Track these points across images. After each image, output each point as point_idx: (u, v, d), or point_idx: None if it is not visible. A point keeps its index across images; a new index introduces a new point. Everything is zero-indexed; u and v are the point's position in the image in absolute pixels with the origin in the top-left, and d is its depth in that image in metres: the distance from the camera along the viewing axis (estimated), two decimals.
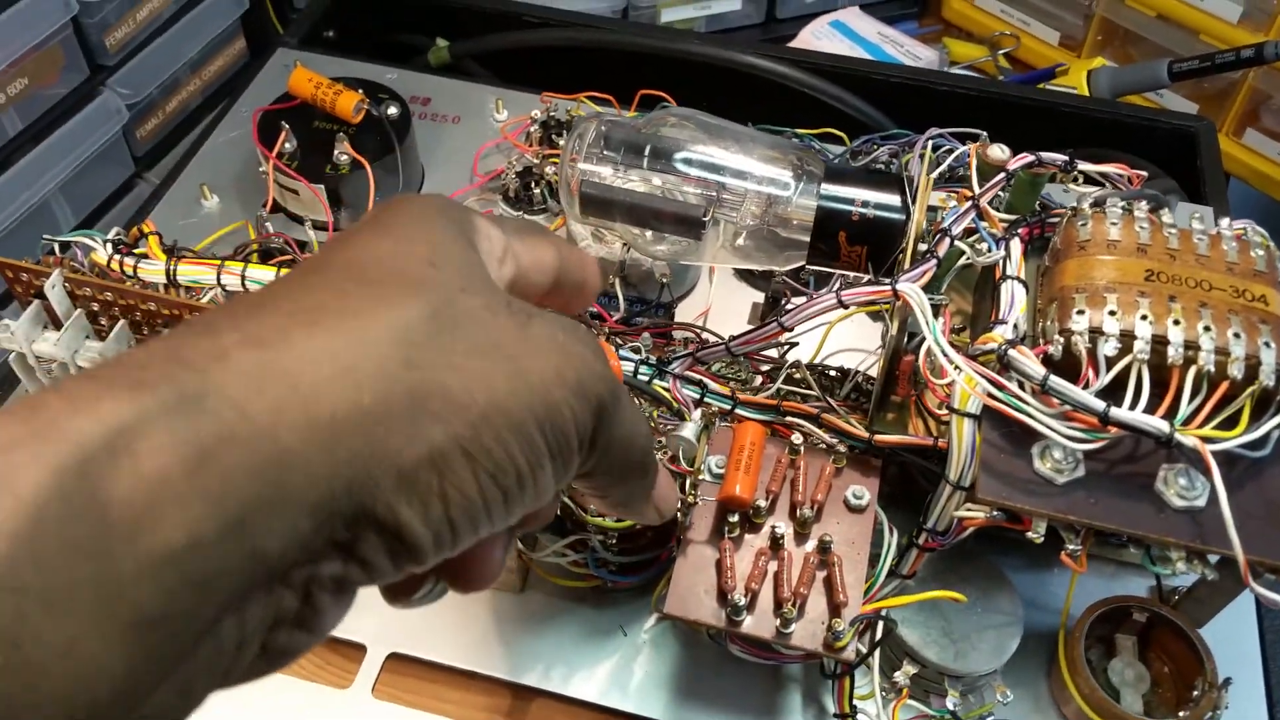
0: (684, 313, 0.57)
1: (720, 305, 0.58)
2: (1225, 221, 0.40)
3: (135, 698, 0.17)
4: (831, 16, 0.91)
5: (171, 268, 0.49)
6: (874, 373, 0.46)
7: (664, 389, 0.44)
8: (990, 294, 0.41)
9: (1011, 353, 0.35)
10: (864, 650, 0.40)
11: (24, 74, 0.64)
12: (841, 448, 0.42)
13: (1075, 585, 0.45)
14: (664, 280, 0.55)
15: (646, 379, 0.45)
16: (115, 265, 0.51)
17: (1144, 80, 0.82)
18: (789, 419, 0.43)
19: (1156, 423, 0.34)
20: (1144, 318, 0.35)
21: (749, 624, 0.39)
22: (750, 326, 0.45)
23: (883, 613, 0.40)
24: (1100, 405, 0.34)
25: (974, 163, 0.45)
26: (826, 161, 0.51)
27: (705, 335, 0.51)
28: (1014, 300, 0.39)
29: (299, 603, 0.20)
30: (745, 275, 0.60)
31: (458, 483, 0.20)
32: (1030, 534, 0.36)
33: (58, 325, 0.48)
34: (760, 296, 0.58)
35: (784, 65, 0.71)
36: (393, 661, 0.45)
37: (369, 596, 0.47)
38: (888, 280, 0.40)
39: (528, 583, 0.47)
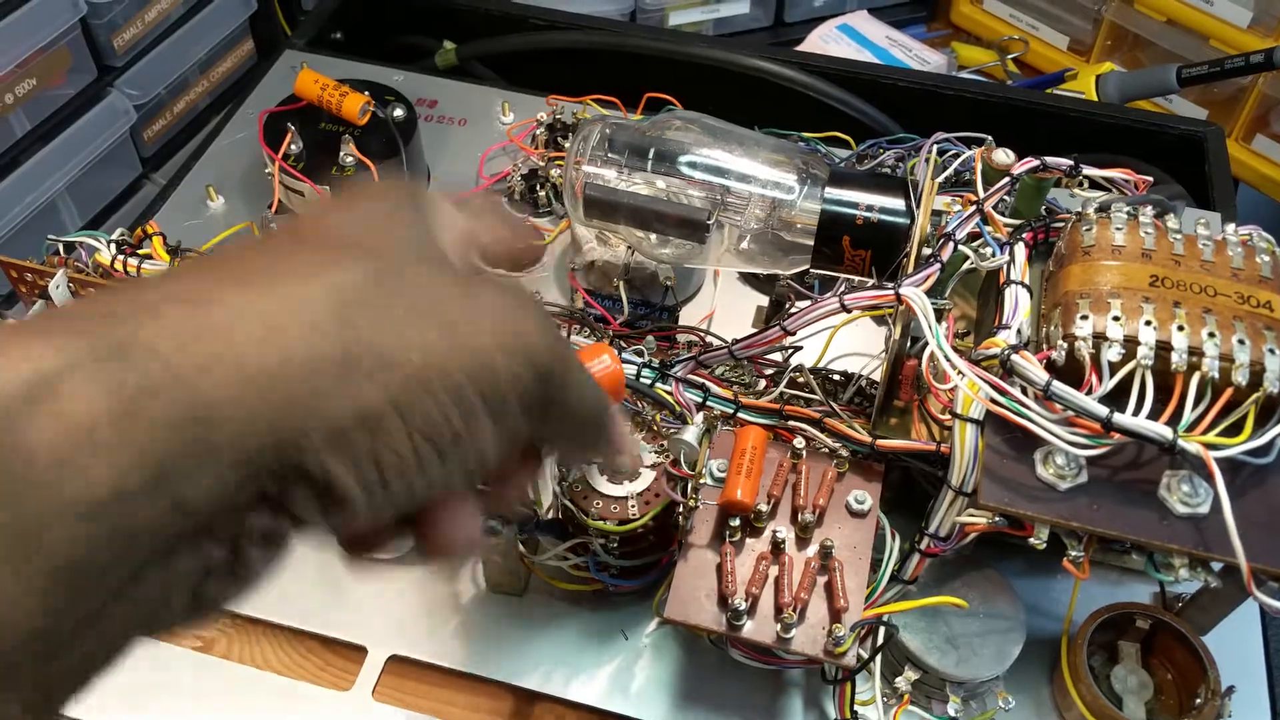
0: (688, 316, 0.57)
1: (724, 308, 0.58)
2: (1230, 227, 0.39)
3: (54, 644, 0.17)
4: (839, 20, 0.91)
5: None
6: (877, 377, 0.46)
7: (666, 392, 0.44)
8: (994, 299, 0.41)
9: (1015, 358, 0.35)
10: (865, 656, 0.39)
11: (32, 75, 0.65)
12: (844, 452, 0.42)
13: (1078, 591, 0.45)
14: (668, 283, 0.55)
15: (649, 382, 0.45)
16: (119, 266, 0.51)
17: (1153, 85, 0.82)
18: (791, 423, 0.43)
19: (1160, 429, 0.34)
20: (1148, 323, 0.35)
21: (750, 629, 0.38)
22: (754, 330, 0.45)
23: (884, 618, 0.40)
24: (1103, 411, 0.34)
25: (979, 167, 0.45)
26: (831, 165, 0.51)
27: (708, 338, 0.51)
28: (1018, 305, 0.39)
29: (228, 554, 0.20)
30: (750, 279, 0.60)
31: (390, 441, 0.20)
32: (1033, 540, 0.35)
33: None
34: (765, 300, 0.58)
35: (791, 69, 0.71)
36: (394, 664, 0.45)
37: (373, 599, 0.48)
38: (891, 284, 0.40)
39: (529, 586, 0.47)
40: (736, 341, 0.45)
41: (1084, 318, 0.36)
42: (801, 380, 0.46)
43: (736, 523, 0.40)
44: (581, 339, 0.50)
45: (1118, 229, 0.38)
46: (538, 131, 0.64)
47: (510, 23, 0.78)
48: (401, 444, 0.21)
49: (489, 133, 0.68)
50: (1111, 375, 0.35)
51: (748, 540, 0.41)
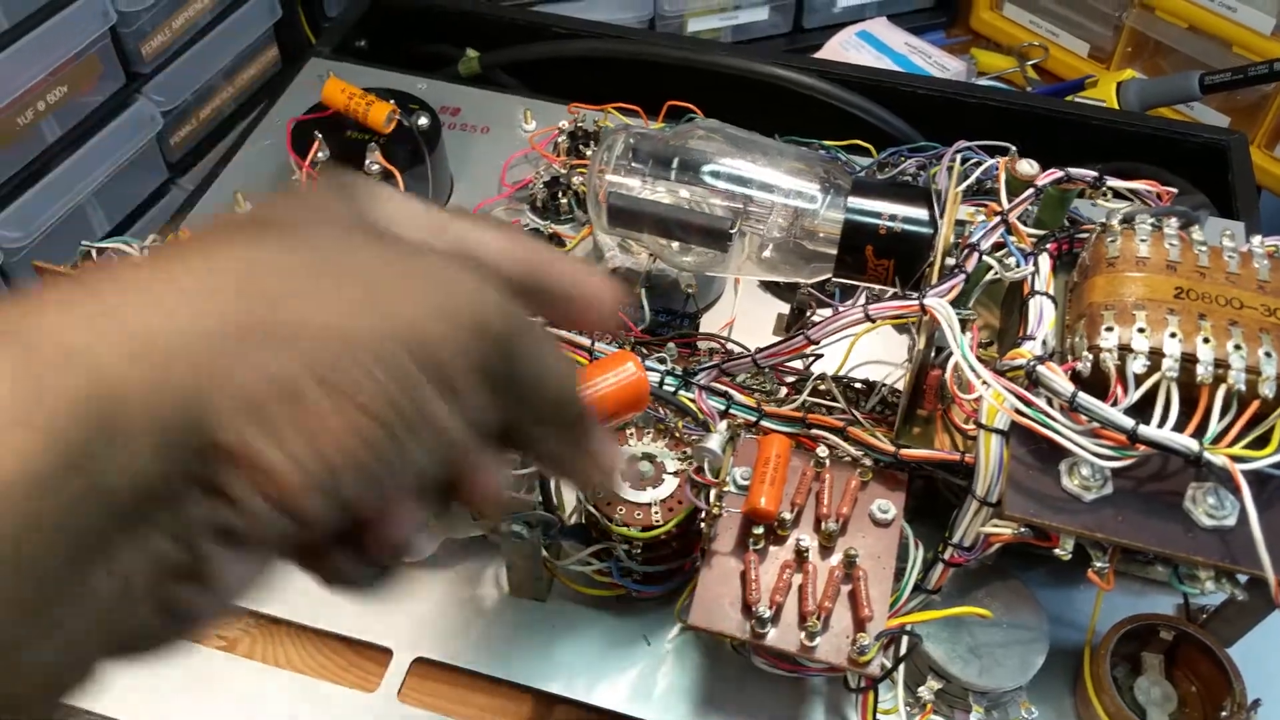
0: (709, 323, 0.57)
1: (745, 316, 0.58)
2: (1257, 239, 0.39)
3: (3, 646, 0.17)
4: (859, 27, 0.91)
5: None
6: (900, 386, 0.46)
7: (689, 400, 0.45)
8: (1018, 309, 0.41)
9: (1040, 369, 0.35)
10: (889, 665, 0.40)
11: (63, 82, 0.66)
12: (867, 461, 0.43)
13: (1101, 602, 0.45)
14: (689, 291, 0.55)
15: (672, 390, 0.45)
16: None
17: (1174, 93, 0.82)
18: (814, 431, 0.44)
19: (1185, 441, 0.34)
20: (1173, 335, 0.35)
21: (773, 636, 0.39)
22: (776, 338, 0.45)
23: (908, 627, 0.40)
24: (1129, 423, 0.34)
25: (1002, 177, 0.45)
26: (853, 174, 0.51)
27: (730, 346, 0.51)
28: (1042, 316, 0.39)
29: (184, 553, 0.19)
30: (770, 286, 0.60)
31: (318, 413, 0.20)
32: (1058, 551, 0.36)
33: None
34: (785, 307, 0.58)
35: (811, 77, 0.71)
36: (418, 666, 0.46)
37: (397, 602, 0.48)
38: (915, 294, 0.40)
39: (551, 591, 0.47)
40: (760, 350, 0.45)
41: (1109, 329, 0.36)
42: (824, 388, 0.46)
43: (760, 531, 0.40)
44: (603, 346, 0.50)
45: (1142, 240, 0.39)
46: (559, 139, 0.64)
47: (532, 31, 0.78)
48: (332, 418, 0.20)
49: (511, 140, 0.68)
50: (1137, 387, 0.35)
51: (771, 548, 0.41)
